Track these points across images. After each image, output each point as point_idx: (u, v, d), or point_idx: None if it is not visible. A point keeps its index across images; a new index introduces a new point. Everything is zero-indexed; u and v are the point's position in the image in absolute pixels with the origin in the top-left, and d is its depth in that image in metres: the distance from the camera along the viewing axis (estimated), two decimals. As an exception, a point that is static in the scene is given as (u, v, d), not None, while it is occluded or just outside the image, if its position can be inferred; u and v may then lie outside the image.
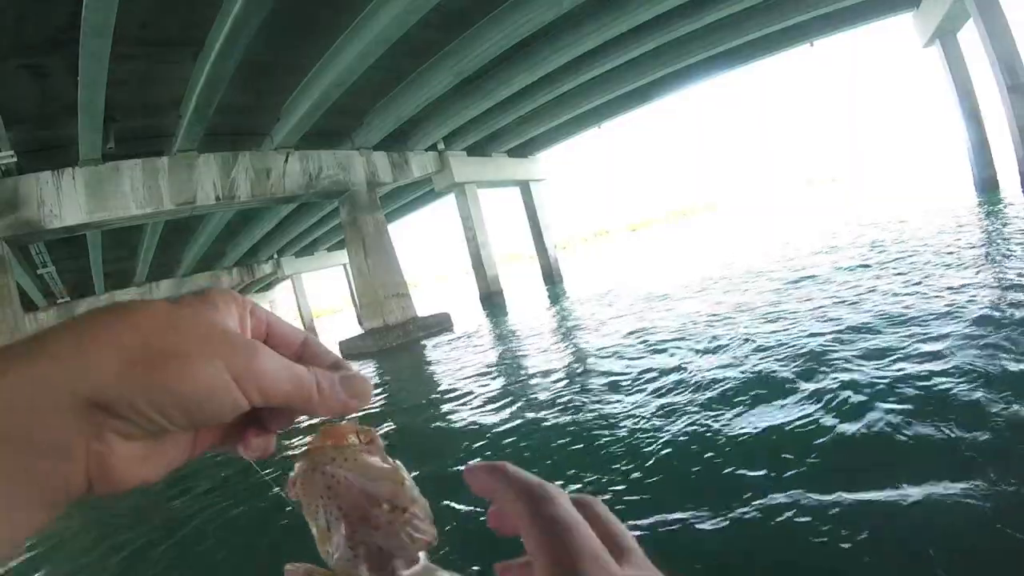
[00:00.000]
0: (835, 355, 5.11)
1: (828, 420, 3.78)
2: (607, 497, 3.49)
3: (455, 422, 6.35)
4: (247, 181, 14.36)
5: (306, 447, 0.38)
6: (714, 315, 8.44)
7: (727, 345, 6.44)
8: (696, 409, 4.63)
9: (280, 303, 48.62)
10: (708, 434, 4.08)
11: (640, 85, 17.51)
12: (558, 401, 5.93)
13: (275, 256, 31.89)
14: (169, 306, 0.33)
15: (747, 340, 6.37)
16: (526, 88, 14.88)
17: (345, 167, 16.32)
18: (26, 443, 0.28)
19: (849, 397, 4.03)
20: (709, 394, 4.91)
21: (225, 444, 0.38)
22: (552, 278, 24.27)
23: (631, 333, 8.63)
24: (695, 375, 5.57)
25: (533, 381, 7.34)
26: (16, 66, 8.84)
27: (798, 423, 3.87)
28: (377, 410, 8.02)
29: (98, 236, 16.55)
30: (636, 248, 43.32)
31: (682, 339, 7.40)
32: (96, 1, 7.28)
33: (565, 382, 6.78)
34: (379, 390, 10.16)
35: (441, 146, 18.81)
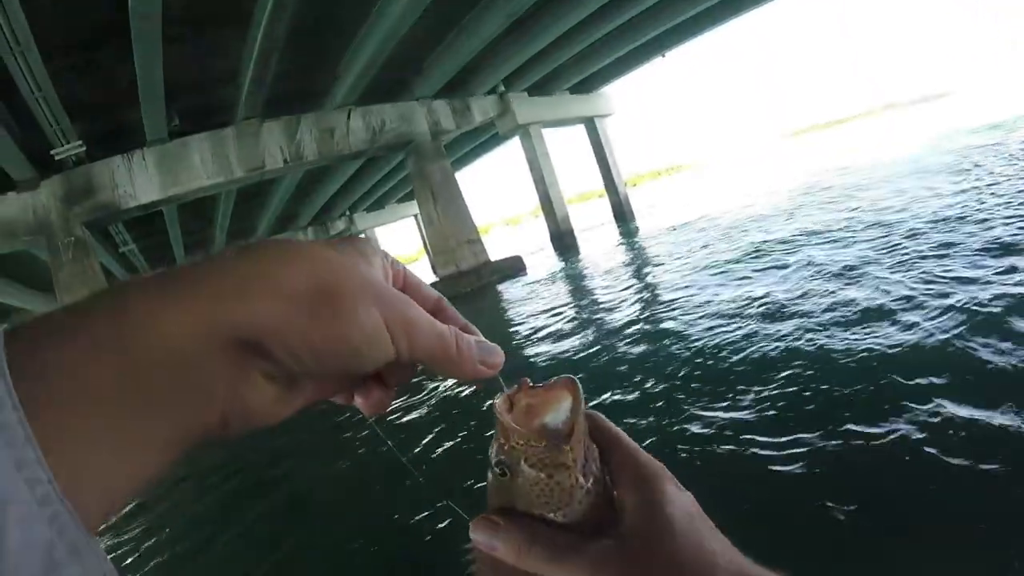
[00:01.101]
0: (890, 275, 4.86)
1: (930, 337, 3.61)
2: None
3: (531, 358, 6.42)
4: (312, 142, 14.64)
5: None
6: (785, 242, 8.15)
7: (803, 272, 6.22)
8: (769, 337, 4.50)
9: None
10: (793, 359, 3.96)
11: (700, 11, 16.59)
12: (635, 334, 5.91)
13: (347, 212, 32.55)
14: (330, 251, 0.33)
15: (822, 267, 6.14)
16: (583, 21, 14.36)
17: (407, 119, 16.35)
18: (177, 379, 0.28)
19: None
20: (790, 325, 4.76)
21: (344, 393, 0.38)
22: (623, 216, 23.85)
23: (705, 268, 8.44)
24: (775, 303, 5.41)
25: (609, 318, 7.32)
26: (72, 62, 9.18)
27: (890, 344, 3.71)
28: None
29: (174, 210, 17.28)
30: (711, 182, 42.01)
31: (757, 269, 7.19)
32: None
33: (642, 317, 6.73)
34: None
35: (502, 88, 18.51)
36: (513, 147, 21.95)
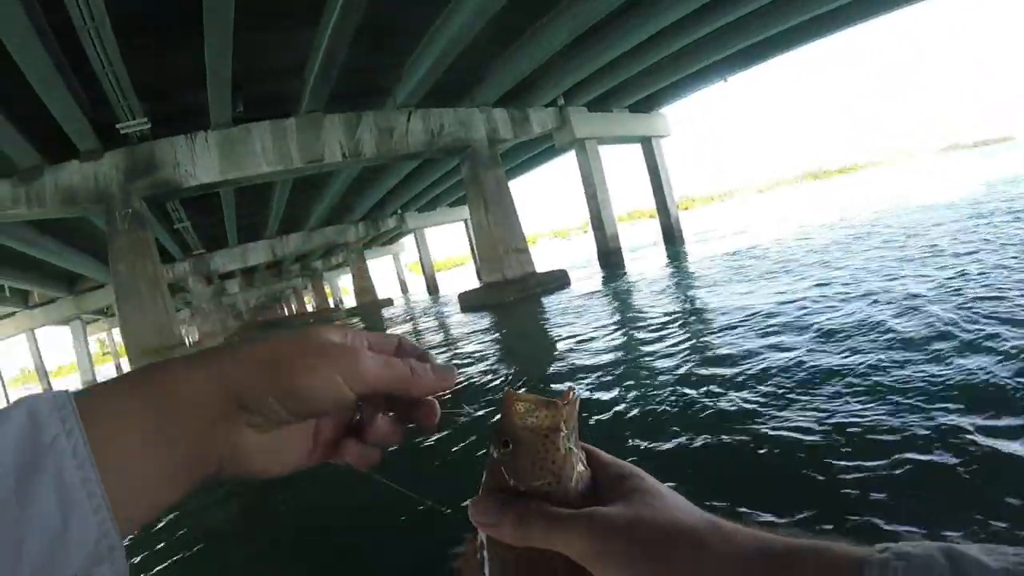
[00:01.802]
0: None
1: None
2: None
3: (559, 369, 6.45)
4: (372, 139, 14.98)
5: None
6: (838, 273, 8.00)
7: (859, 306, 6.11)
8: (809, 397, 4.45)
9: (403, 256, 50.52)
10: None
11: (768, 36, 16.27)
12: (671, 364, 5.87)
13: (399, 211, 32.96)
14: (293, 333, 0.44)
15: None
16: (648, 40, 14.29)
17: (466, 124, 16.58)
18: (188, 427, 0.39)
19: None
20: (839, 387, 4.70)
21: (340, 455, 0.48)
22: (673, 238, 23.68)
23: (752, 294, 8.34)
24: (821, 335, 5.34)
25: (644, 336, 7.29)
26: (144, 41, 9.54)
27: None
28: (491, 360, 8.27)
29: (231, 193, 17.90)
30: (763, 210, 41.40)
31: (806, 299, 7.08)
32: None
33: (679, 339, 6.69)
34: (495, 339, 10.45)
35: (561, 102, 18.59)
36: (568, 160, 22.02)
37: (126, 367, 32.32)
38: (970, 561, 0.28)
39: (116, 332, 46.61)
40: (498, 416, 0.44)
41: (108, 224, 12.89)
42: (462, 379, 7.49)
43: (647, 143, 23.64)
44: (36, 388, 42.05)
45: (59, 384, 42.44)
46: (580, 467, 0.42)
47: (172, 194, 14.33)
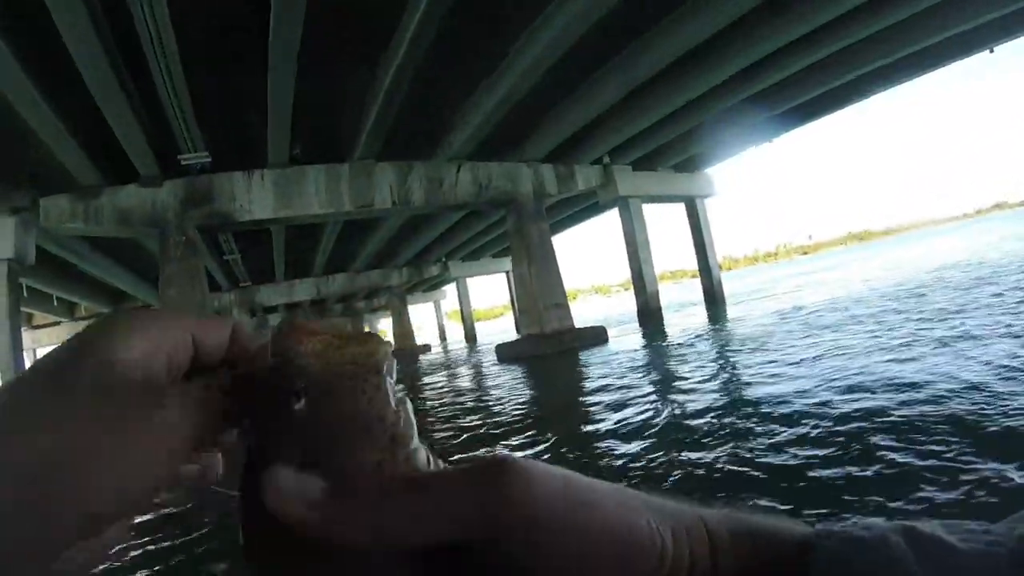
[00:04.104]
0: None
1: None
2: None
3: (590, 433, 6.40)
4: (421, 189, 15.41)
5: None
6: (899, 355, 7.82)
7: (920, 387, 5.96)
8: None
9: (443, 303, 51.01)
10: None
11: (816, 95, 16.33)
12: (701, 417, 5.80)
13: (443, 259, 33.45)
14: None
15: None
16: (695, 99, 14.44)
17: (512, 178, 16.92)
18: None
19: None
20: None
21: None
22: (714, 298, 23.42)
23: (795, 362, 8.20)
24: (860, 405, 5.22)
25: (678, 398, 7.19)
26: (210, 75, 9.96)
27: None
28: (519, 412, 8.25)
29: (282, 230, 18.45)
30: (806, 271, 40.76)
31: (842, 366, 6.93)
32: (282, 21, 8.16)
33: (713, 402, 6.59)
34: (527, 393, 10.43)
35: (607, 159, 18.82)
36: (612, 216, 22.14)
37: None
38: (930, 540, 0.26)
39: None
40: (275, 358, 0.30)
41: (161, 249, 13.43)
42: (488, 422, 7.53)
43: (691, 202, 23.64)
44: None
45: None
46: (416, 435, 0.30)
47: (226, 226, 14.92)
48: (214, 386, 0.32)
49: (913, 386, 5.57)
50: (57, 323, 31.19)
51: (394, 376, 0.31)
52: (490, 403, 9.84)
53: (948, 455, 3.81)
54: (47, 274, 19.09)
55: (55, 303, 27.03)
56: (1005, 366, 5.65)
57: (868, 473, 3.78)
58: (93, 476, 0.27)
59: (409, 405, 0.30)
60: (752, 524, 0.30)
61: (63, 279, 21.34)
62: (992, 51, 15.56)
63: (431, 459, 0.30)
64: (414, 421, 0.30)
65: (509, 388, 11.37)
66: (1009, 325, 7.64)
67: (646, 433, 5.86)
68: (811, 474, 3.96)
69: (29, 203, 12.97)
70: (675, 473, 4.55)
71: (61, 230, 13.55)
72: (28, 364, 16.13)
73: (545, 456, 5.67)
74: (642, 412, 6.79)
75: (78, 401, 0.28)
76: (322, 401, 0.28)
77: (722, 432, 5.37)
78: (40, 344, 31.41)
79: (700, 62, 12.75)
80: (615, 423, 6.49)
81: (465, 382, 14.68)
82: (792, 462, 4.28)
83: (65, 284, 22.10)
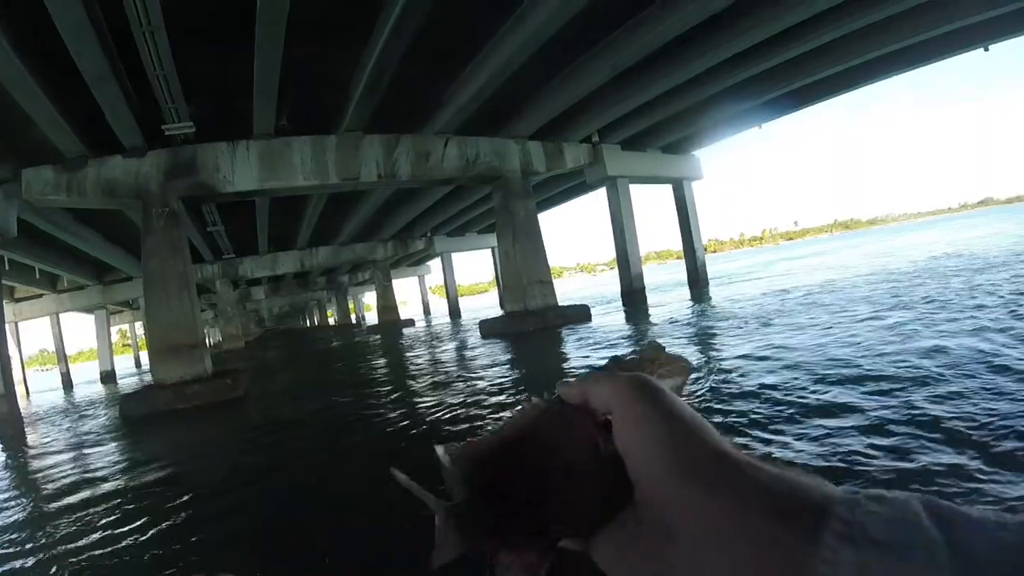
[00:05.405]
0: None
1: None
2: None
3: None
4: (408, 163, 15.27)
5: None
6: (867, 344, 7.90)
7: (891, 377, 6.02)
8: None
9: (428, 278, 50.94)
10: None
11: (807, 83, 16.29)
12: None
13: (428, 234, 33.39)
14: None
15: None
16: (684, 83, 14.44)
17: (501, 154, 16.81)
18: None
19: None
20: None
21: None
22: (698, 280, 23.58)
23: (773, 346, 8.26)
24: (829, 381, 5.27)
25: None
26: (195, 47, 9.79)
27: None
28: (499, 386, 8.26)
29: (266, 202, 18.27)
30: (790, 257, 41.03)
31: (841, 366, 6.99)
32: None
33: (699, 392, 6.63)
34: (508, 367, 10.46)
35: (596, 138, 18.77)
36: (599, 196, 22.12)
37: (144, 360, 32.74)
38: (951, 511, 0.27)
39: (139, 325, 47.47)
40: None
41: (144, 220, 13.20)
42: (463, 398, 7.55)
43: (678, 184, 23.69)
44: (53, 370, 42.74)
45: (77, 369, 43.07)
46: None
47: (209, 198, 14.72)
48: None
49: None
50: (39, 295, 30.83)
51: None
52: (471, 377, 9.88)
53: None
54: (29, 246, 18.81)
55: (37, 276, 26.74)
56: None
57: (837, 453, 3.83)
58: None
59: None
60: (775, 474, 0.32)
61: (46, 251, 21.03)
62: (987, 49, 15.52)
63: None
64: None
65: (491, 362, 11.43)
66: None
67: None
68: (777, 453, 4.00)
69: (10, 174, 12.76)
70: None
71: (44, 202, 13.29)
72: (9, 337, 15.78)
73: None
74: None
75: None
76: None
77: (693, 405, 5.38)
78: (22, 317, 31.01)
79: (691, 47, 12.72)
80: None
81: (448, 356, 14.69)
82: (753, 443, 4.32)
83: (48, 256, 21.79)
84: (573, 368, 9.26)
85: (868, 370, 5.87)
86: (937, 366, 5.57)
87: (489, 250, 36.80)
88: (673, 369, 0.45)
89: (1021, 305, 8.18)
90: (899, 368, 5.73)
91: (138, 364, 46.69)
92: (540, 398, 0.41)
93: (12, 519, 5.48)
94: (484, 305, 45.98)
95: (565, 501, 0.37)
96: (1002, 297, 9.08)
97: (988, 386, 4.75)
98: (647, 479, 0.34)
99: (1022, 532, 0.25)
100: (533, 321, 16.55)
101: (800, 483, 0.31)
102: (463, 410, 7.21)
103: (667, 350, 0.48)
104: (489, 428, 0.40)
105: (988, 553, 0.25)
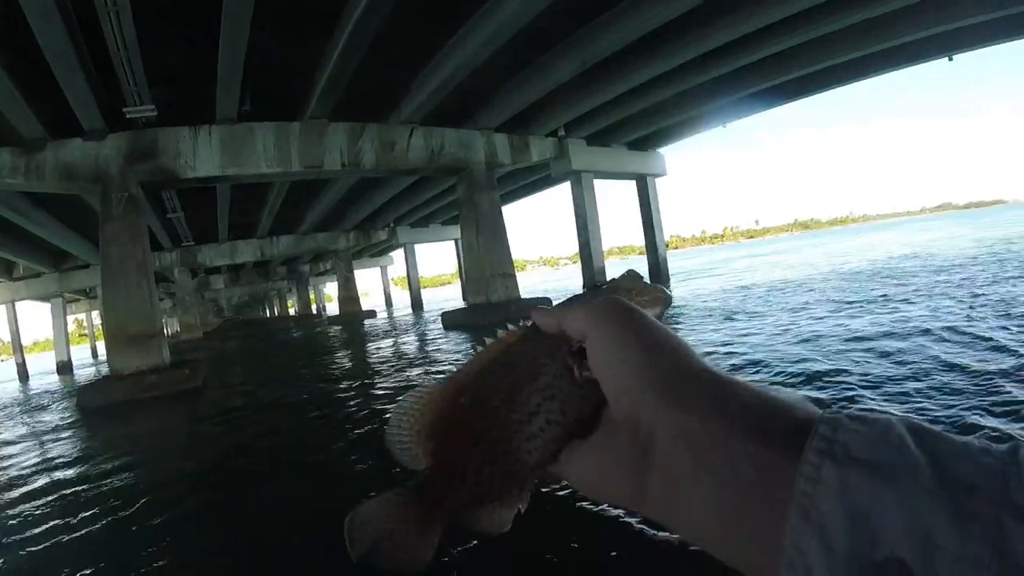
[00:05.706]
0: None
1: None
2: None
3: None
4: (373, 151, 15.17)
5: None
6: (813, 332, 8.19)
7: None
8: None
9: (390, 269, 50.59)
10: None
11: (771, 85, 16.60)
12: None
13: (391, 224, 33.13)
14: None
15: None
16: (651, 81, 14.59)
17: (466, 145, 16.82)
18: None
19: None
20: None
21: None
22: (659, 276, 23.87)
23: (736, 337, 8.51)
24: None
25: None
26: (160, 29, 9.62)
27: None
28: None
29: (227, 189, 17.98)
30: (751, 254, 41.80)
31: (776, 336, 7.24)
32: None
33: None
34: (470, 356, 10.52)
35: (561, 132, 18.83)
36: (563, 190, 22.26)
37: (101, 350, 31.87)
38: (932, 433, 0.27)
39: (95, 314, 46.12)
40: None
41: (103, 205, 12.87)
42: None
43: (642, 180, 23.93)
44: (8, 360, 41.26)
45: (33, 359, 41.77)
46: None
47: (170, 183, 14.44)
48: None
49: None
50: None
51: None
52: (434, 367, 9.96)
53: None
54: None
55: (-8, 262, 25.82)
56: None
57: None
58: None
59: None
60: (756, 393, 0.32)
61: (3, 237, 20.26)
62: (951, 59, 15.97)
63: None
64: None
65: (454, 351, 11.53)
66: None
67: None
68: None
69: (-36, 157, 12.29)
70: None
71: (1, 185, 12.89)
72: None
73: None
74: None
75: None
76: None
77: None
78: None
79: (656, 47, 12.88)
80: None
81: (411, 347, 14.70)
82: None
83: (4, 243, 21.01)
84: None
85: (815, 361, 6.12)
86: (885, 360, 5.84)
87: (453, 242, 36.66)
88: (651, 299, 0.46)
89: (970, 305, 8.57)
90: (842, 363, 5.99)
91: (95, 354, 45.54)
92: (516, 326, 0.44)
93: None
94: (447, 297, 45.83)
95: (538, 432, 0.38)
96: (954, 298, 9.49)
97: (927, 379, 5.02)
98: (623, 399, 0.35)
99: (1007, 459, 0.25)
100: (495, 313, 16.60)
101: (782, 402, 0.31)
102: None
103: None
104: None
105: (973, 476, 0.24)
